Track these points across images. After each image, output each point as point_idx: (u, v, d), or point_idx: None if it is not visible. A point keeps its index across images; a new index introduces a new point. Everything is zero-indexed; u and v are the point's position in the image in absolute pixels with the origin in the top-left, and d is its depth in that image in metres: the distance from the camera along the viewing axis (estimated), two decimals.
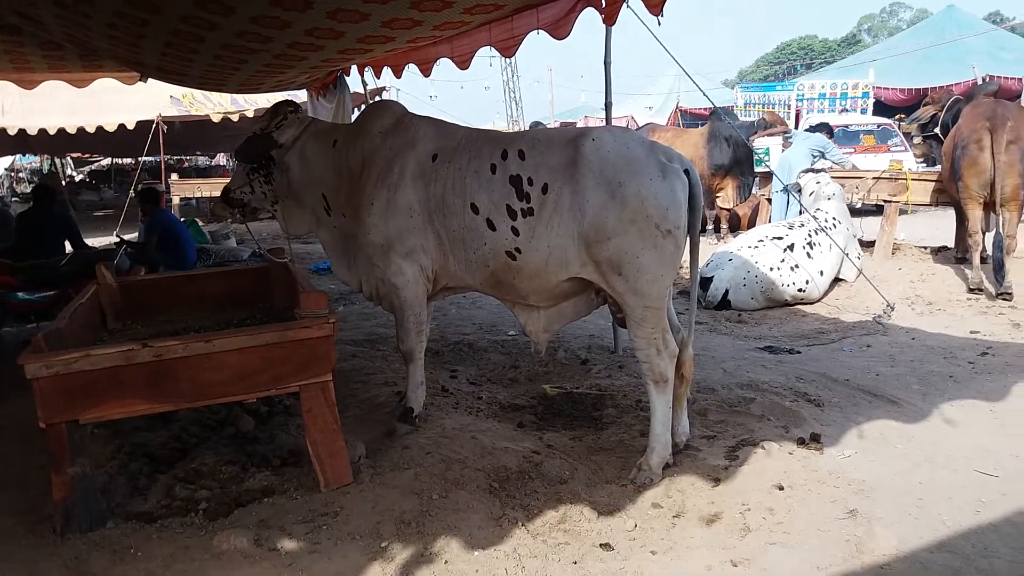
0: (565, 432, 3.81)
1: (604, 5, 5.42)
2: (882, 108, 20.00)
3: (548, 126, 20.60)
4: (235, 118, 12.68)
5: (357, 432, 3.73)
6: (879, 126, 15.26)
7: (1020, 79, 19.44)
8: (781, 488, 3.20)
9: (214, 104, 12.80)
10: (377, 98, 10.60)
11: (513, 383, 4.62)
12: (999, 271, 6.58)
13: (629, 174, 3.28)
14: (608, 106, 5.56)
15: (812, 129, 9.94)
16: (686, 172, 3.39)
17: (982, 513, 3.06)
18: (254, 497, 3.18)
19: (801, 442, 3.67)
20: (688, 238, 3.43)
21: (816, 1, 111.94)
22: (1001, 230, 6.71)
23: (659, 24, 5.11)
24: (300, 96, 8.39)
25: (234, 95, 12.13)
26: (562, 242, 3.37)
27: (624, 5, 5.25)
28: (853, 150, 14.65)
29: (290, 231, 4.24)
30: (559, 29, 5.87)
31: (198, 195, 15.13)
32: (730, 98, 22.06)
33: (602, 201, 3.27)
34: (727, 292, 6.53)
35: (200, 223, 10.85)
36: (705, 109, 21.00)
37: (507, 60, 36.99)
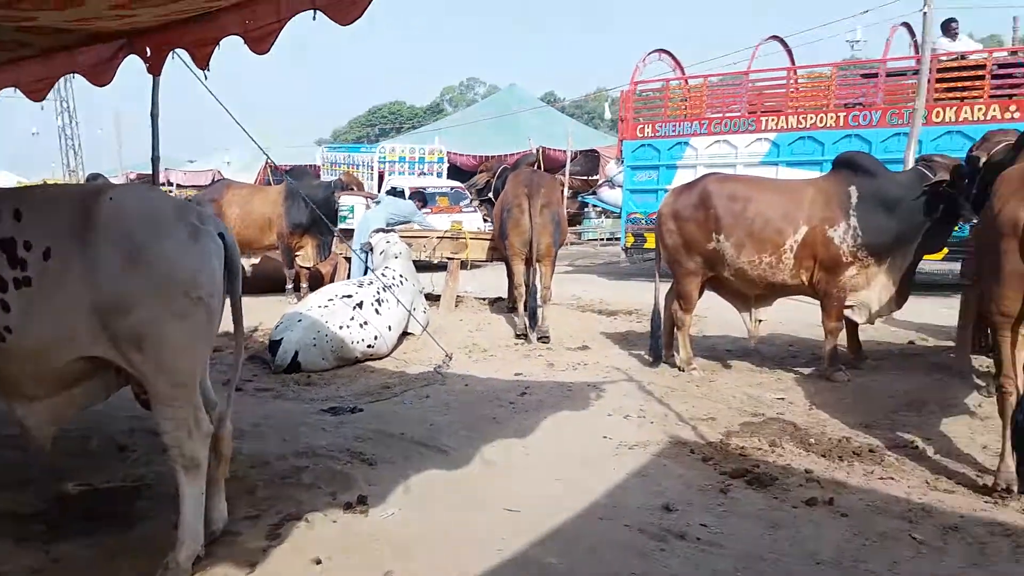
0: (83, 539, 3.31)
1: (149, 54, 5.05)
2: (457, 172, 21.98)
3: (111, 179, 18.91)
4: None
5: None
6: (452, 188, 16.73)
7: (564, 151, 22.80)
8: (319, 562, 3.14)
9: None
10: None
11: (25, 485, 3.93)
12: (534, 318, 7.49)
13: (153, 237, 2.99)
14: (155, 160, 5.20)
15: (392, 192, 10.52)
16: (221, 235, 3.21)
17: (503, 551, 3.32)
18: None
19: (348, 507, 3.66)
20: (231, 304, 3.26)
21: (405, 70, 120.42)
22: (539, 282, 7.67)
23: (206, 76, 4.91)
24: None
25: None
26: (69, 317, 2.93)
27: (171, 55, 4.97)
28: (430, 210, 15.84)
29: None
30: (100, 75, 5.35)
31: None
32: (318, 157, 22.47)
33: (120, 267, 2.91)
34: (297, 354, 6.44)
35: None
36: (296, 166, 21.05)
37: (64, 103, 33.36)
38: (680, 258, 6.41)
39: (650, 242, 10.64)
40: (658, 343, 6.57)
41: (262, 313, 8.50)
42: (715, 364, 6.64)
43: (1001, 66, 10.38)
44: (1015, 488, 3.83)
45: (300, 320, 6.62)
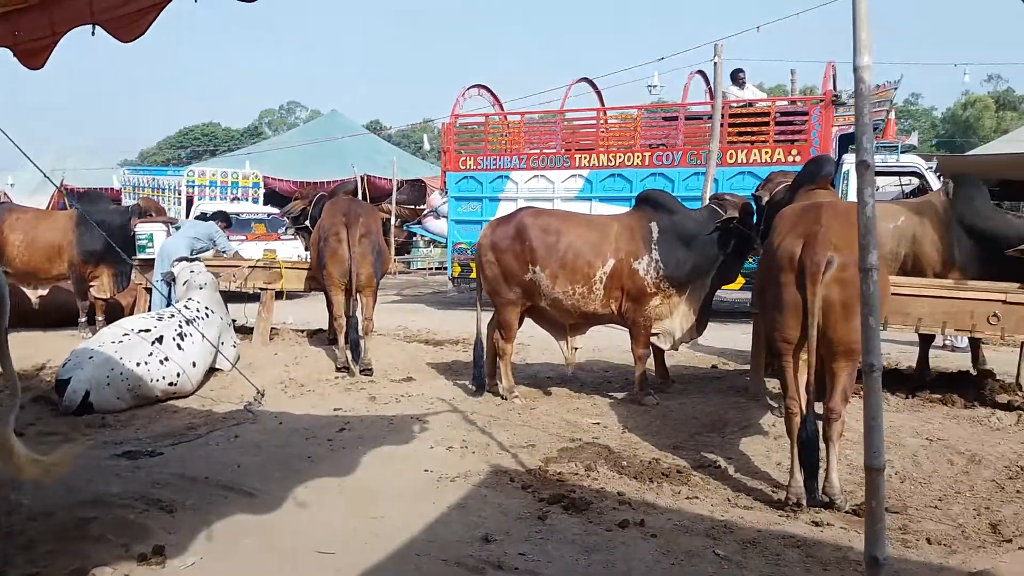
0: None
1: None
2: (277, 198, 21.21)
3: None
4: None
5: None
6: (269, 215, 16.10)
7: (390, 179, 22.65)
8: None
9: None
10: None
11: None
12: (356, 350, 7.30)
13: None
14: None
15: (206, 217, 9.87)
16: None
17: None
18: None
19: (143, 559, 3.35)
20: None
21: (220, 90, 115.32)
22: (359, 313, 7.48)
23: None
24: None
25: None
26: None
27: None
28: (245, 238, 15.13)
29: None
30: None
31: None
32: (116, 180, 20.95)
33: None
34: (88, 394, 5.86)
35: None
36: (92, 189, 19.43)
37: None
38: (499, 288, 6.50)
39: (476, 272, 10.75)
40: (481, 372, 6.59)
41: (50, 348, 7.73)
42: (536, 391, 6.76)
43: (783, 114, 11.50)
44: (804, 502, 4.14)
45: (92, 357, 6.04)
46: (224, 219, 9.66)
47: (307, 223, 8.86)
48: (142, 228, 9.01)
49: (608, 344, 8.32)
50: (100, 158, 29.21)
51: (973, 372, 6.66)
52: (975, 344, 6.74)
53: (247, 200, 18.11)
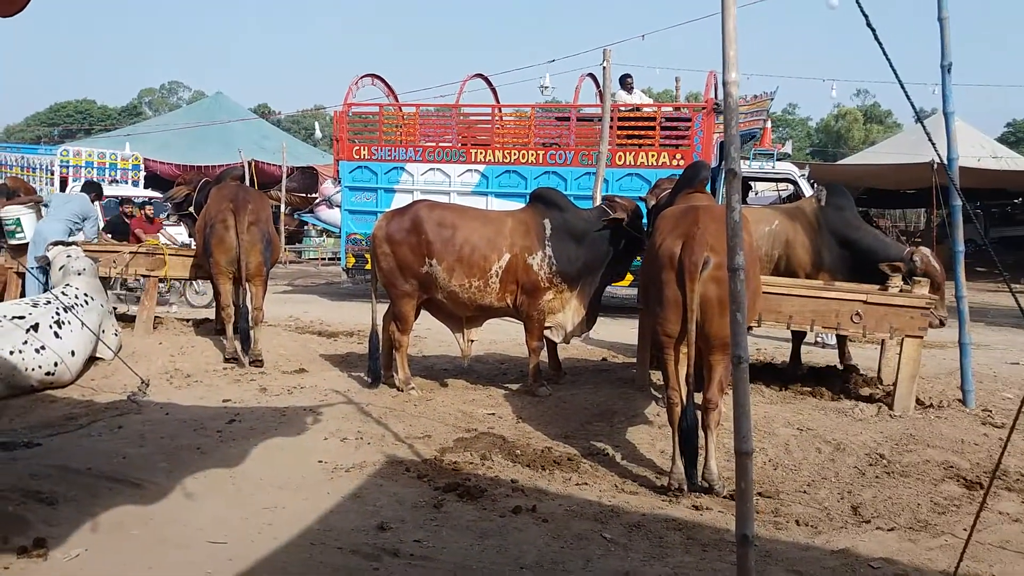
0: None
1: None
2: (158, 181, 20.31)
3: None
4: None
5: None
6: (150, 199, 15.40)
7: (279, 166, 22.05)
8: None
9: None
10: None
11: None
12: (246, 340, 7.14)
13: None
14: None
15: (85, 188, 9.26)
16: None
17: None
18: None
19: (23, 551, 3.24)
20: None
21: (96, 66, 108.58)
22: (249, 303, 7.32)
23: None
24: None
25: None
26: None
27: None
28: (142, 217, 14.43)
29: None
30: None
31: None
32: None
33: None
34: None
35: None
36: None
37: None
38: (395, 280, 6.51)
39: (371, 263, 10.67)
40: (376, 364, 6.59)
41: None
42: (433, 383, 6.81)
43: (668, 119, 11.96)
44: (685, 487, 4.40)
45: None
46: (95, 190, 9.15)
47: (191, 209, 8.54)
48: (7, 212, 8.42)
49: (503, 337, 8.47)
50: None
51: (840, 367, 7.18)
52: (842, 341, 7.26)
53: (127, 183, 17.26)
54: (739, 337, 2.75)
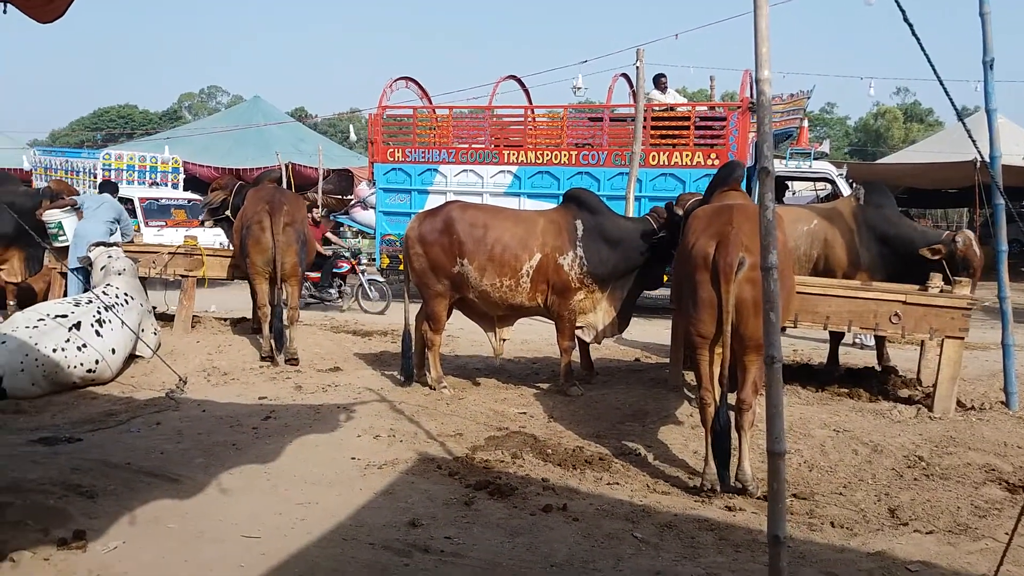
0: None
1: None
2: (197, 184, 20.64)
3: None
4: None
5: None
6: (190, 201, 15.69)
7: (316, 168, 22.30)
8: None
9: None
10: None
11: None
12: (280, 339, 7.23)
13: None
14: None
15: (103, 189, 9.42)
16: None
17: None
18: None
19: (63, 543, 3.31)
20: None
21: (137, 72, 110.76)
22: (284, 302, 7.41)
23: None
24: None
25: None
26: None
27: None
28: (165, 223, 14.72)
29: None
30: None
31: None
32: (26, 161, 20.02)
33: None
34: (1, 379, 5.66)
35: None
36: (3, 169, 18.49)
37: None
38: (428, 280, 6.54)
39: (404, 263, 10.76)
40: (409, 363, 6.63)
41: None
42: (465, 382, 6.83)
43: (703, 119, 11.85)
44: (718, 488, 4.35)
45: (4, 342, 5.83)
46: (113, 189, 9.31)
47: (227, 213, 8.65)
48: (50, 216, 8.59)
49: (536, 336, 8.47)
50: (7, 138, 27.85)
51: (878, 368, 7.06)
52: (880, 342, 7.14)
53: (166, 185, 17.57)
54: (772, 337, 2.71)
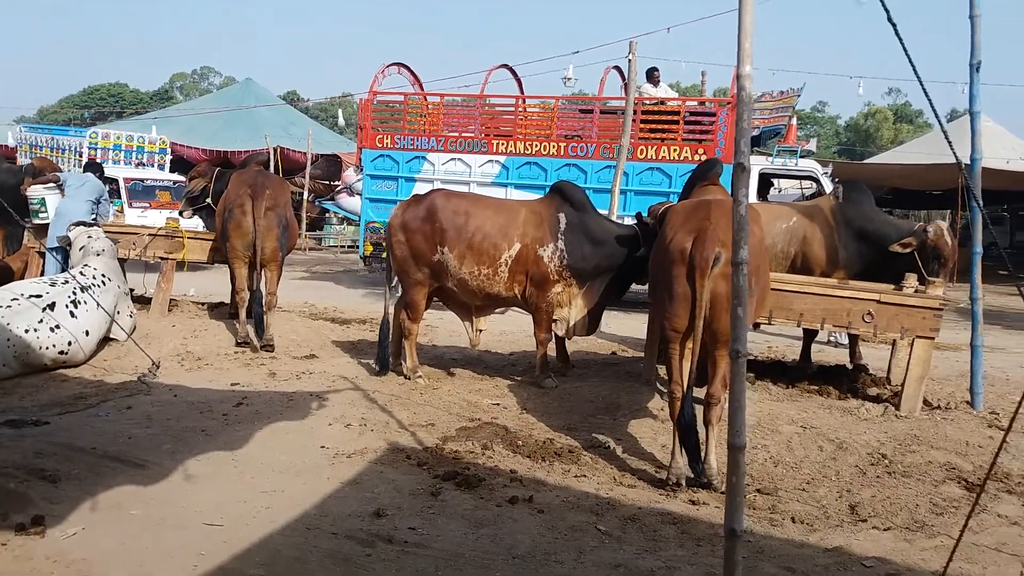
0: None
1: None
2: (185, 165, 20.50)
3: None
4: None
5: None
6: (175, 183, 15.59)
7: (304, 152, 22.20)
8: None
9: None
10: None
11: None
12: (259, 325, 7.21)
13: None
14: None
15: (87, 168, 9.33)
16: None
17: (199, 566, 3.16)
18: None
19: (20, 528, 3.30)
20: None
21: (130, 50, 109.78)
22: (263, 287, 7.39)
23: None
24: None
25: None
26: None
27: None
28: (149, 205, 14.64)
29: None
30: None
31: None
32: (11, 137, 19.86)
33: None
34: None
35: None
36: None
37: None
38: (408, 268, 6.53)
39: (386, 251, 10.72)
40: (385, 352, 6.62)
41: None
42: (440, 372, 6.83)
43: (693, 113, 11.84)
44: (683, 482, 4.38)
45: None
46: (99, 170, 9.22)
47: (208, 201, 8.59)
48: (33, 192, 8.54)
49: (514, 328, 8.47)
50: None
51: (849, 366, 7.11)
52: (853, 340, 7.18)
53: (153, 166, 17.47)
54: (739, 331, 2.73)
